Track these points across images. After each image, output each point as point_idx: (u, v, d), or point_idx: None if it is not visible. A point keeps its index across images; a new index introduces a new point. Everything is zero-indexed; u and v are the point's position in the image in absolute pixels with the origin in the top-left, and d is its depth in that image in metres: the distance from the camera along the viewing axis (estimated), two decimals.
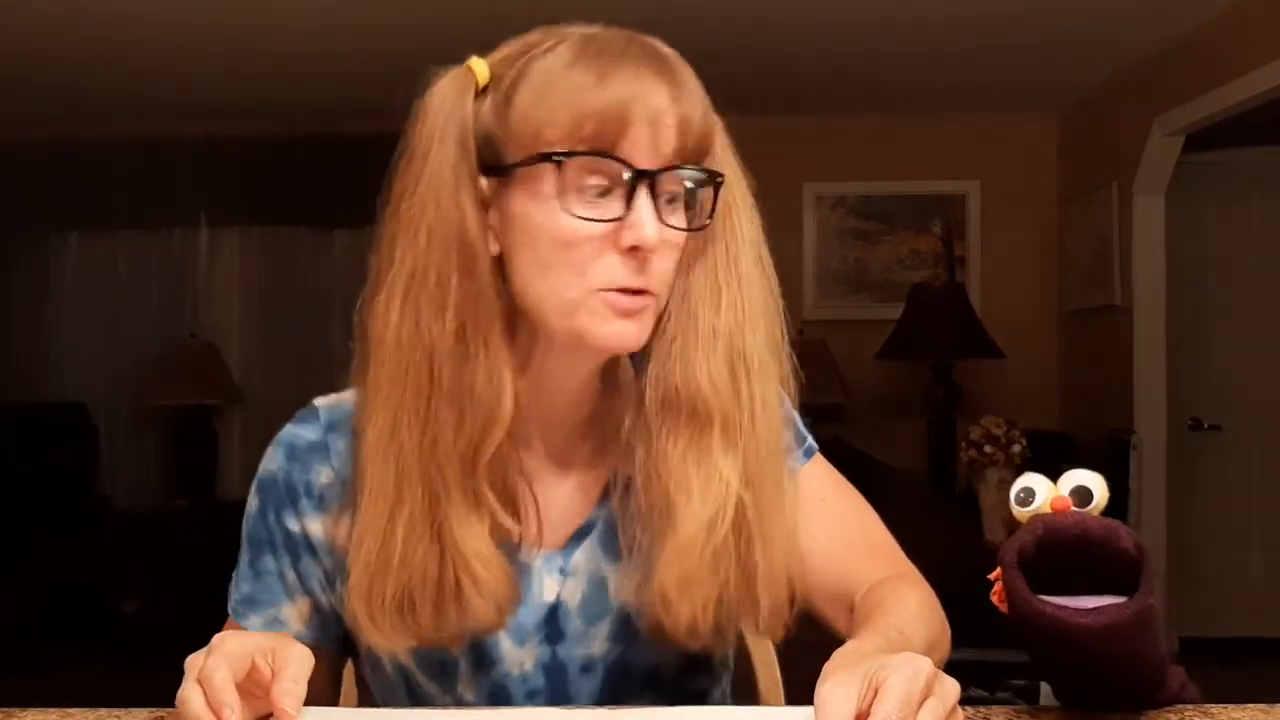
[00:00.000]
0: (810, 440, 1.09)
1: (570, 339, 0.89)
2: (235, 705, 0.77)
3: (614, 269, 0.86)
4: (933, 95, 5.04)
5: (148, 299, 5.51)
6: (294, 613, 0.98)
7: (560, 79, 0.85)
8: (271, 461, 0.98)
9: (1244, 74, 3.67)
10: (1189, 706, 0.88)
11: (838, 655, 0.78)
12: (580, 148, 0.84)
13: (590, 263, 0.86)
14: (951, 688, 0.73)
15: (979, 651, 2.48)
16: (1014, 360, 4.94)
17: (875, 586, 1.01)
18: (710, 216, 0.90)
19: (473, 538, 0.88)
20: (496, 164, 0.87)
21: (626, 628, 0.97)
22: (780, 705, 1.17)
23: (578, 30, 0.89)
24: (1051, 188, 5.37)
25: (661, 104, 0.86)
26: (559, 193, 0.85)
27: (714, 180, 0.90)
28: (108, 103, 5.02)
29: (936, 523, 3.53)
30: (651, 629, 0.93)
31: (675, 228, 0.88)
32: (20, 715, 0.89)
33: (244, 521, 1.00)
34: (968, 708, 0.90)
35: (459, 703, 0.95)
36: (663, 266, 0.88)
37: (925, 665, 0.72)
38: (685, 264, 0.91)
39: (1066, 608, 0.79)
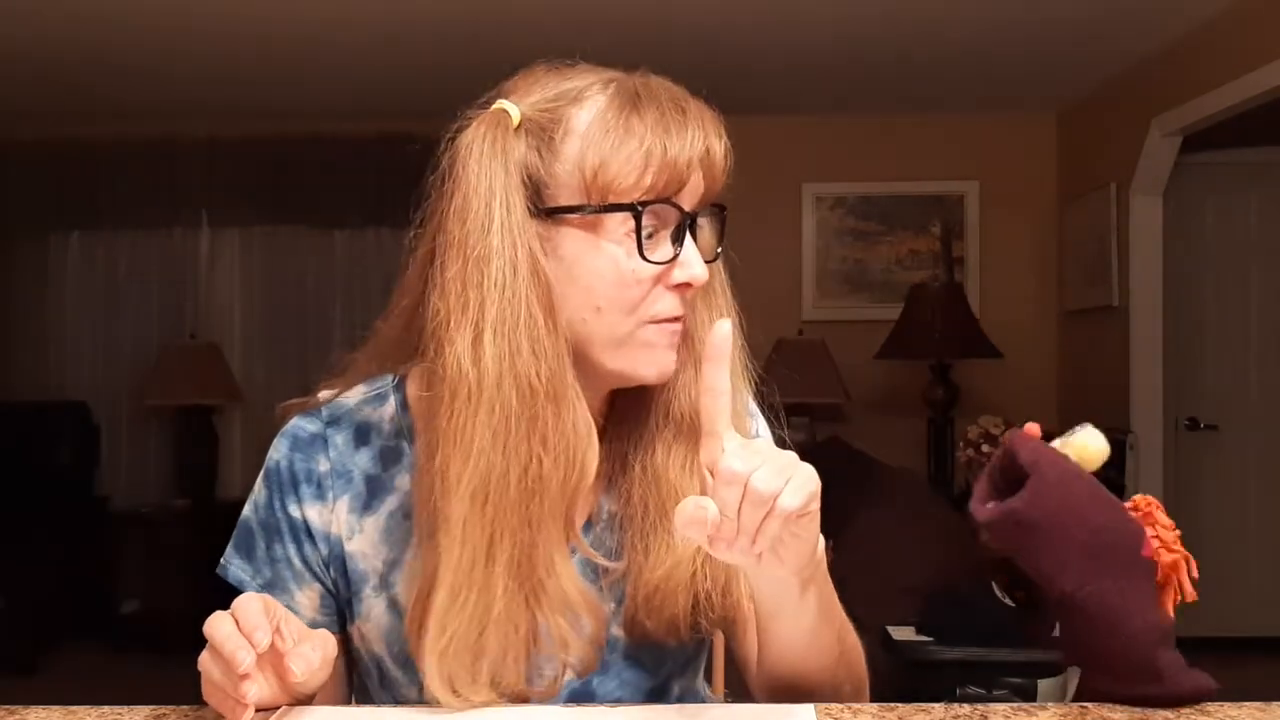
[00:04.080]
0: None
1: (614, 374, 0.94)
2: (266, 630, 0.81)
3: (663, 304, 0.93)
4: (932, 96, 5.05)
5: (148, 299, 5.51)
6: (305, 599, 1.01)
7: (622, 129, 0.89)
8: (276, 451, 1.01)
9: (1242, 75, 3.68)
10: (1187, 706, 0.88)
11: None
12: (648, 196, 0.89)
13: (643, 300, 0.92)
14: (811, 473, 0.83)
15: (976, 650, 2.49)
16: (1012, 360, 4.95)
17: None
18: (719, 246, 0.99)
19: (570, 583, 0.92)
20: (545, 207, 0.91)
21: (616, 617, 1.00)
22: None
23: (599, 74, 0.94)
24: (1050, 188, 5.38)
25: (714, 154, 0.93)
26: (628, 237, 0.90)
27: (722, 213, 0.99)
28: (108, 103, 5.02)
29: (935, 522, 3.54)
30: (630, 624, 0.97)
31: (707, 261, 0.96)
32: (23, 713, 0.90)
33: (251, 512, 1.02)
34: (965, 705, 0.90)
35: (422, 694, 0.97)
36: (692, 297, 0.96)
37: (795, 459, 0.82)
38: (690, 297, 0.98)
39: (978, 505, 0.90)
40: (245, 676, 0.80)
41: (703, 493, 0.84)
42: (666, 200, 0.90)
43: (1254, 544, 4.90)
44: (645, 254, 0.90)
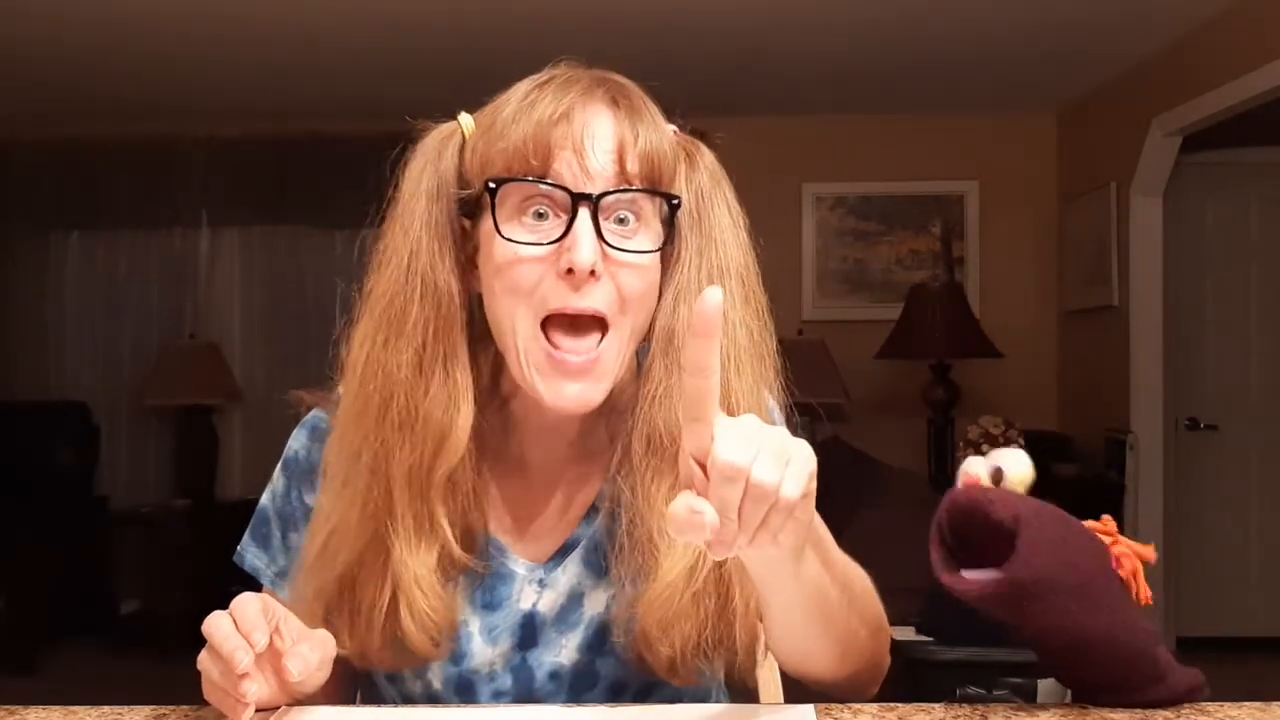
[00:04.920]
0: None
1: (541, 404, 0.91)
2: (265, 631, 0.81)
3: (552, 291, 0.87)
4: (932, 96, 5.05)
5: (148, 299, 5.52)
6: None
7: (504, 114, 0.90)
8: (295, 441, 1.03)
9: (1242, 75, 3.68)
10: (1186, 705, 0.88)
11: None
12: (508, 171, 0.88)
13: (535, 287, 0.88)
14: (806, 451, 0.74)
15: (976, 650, 2.48)
16: (1012, 360, 4.95)
17: None
18: (669, 241, 0.92)
19: (416, 564, 0.92)
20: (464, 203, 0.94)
21: (597, 639, 0.98)
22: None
23: (552, 72, 0.94)
24: (1050, 188, 5.38)
25: (597, 128, 0.88)
26: (501, 221, 0.88)
27: (668, 203, 0.91)
28: (108, 103, 5.02)
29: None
30: (635, 661, 0.96)
31: (621, 249, 0.89)
32: (23, 713, 0.90)
33: (269, 500, 1.04)
34: (965, 705, 0.90)
35: (427, 688, 0.98)
36: (628, 286, 0.89)
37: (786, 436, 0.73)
38: (670, 304, 0.93)
39: (960, 577, 0.84)
40: (244, 676, 0.80)
41: (685, 486, 0.74)
42: (537, 178, 0.87)
43: (1254, 544, 4.90)
44: (502, 232, 0.88)
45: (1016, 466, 0.87)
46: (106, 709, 0.90)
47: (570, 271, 0.86)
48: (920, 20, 3.99)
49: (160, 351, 5.26)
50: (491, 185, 0.88)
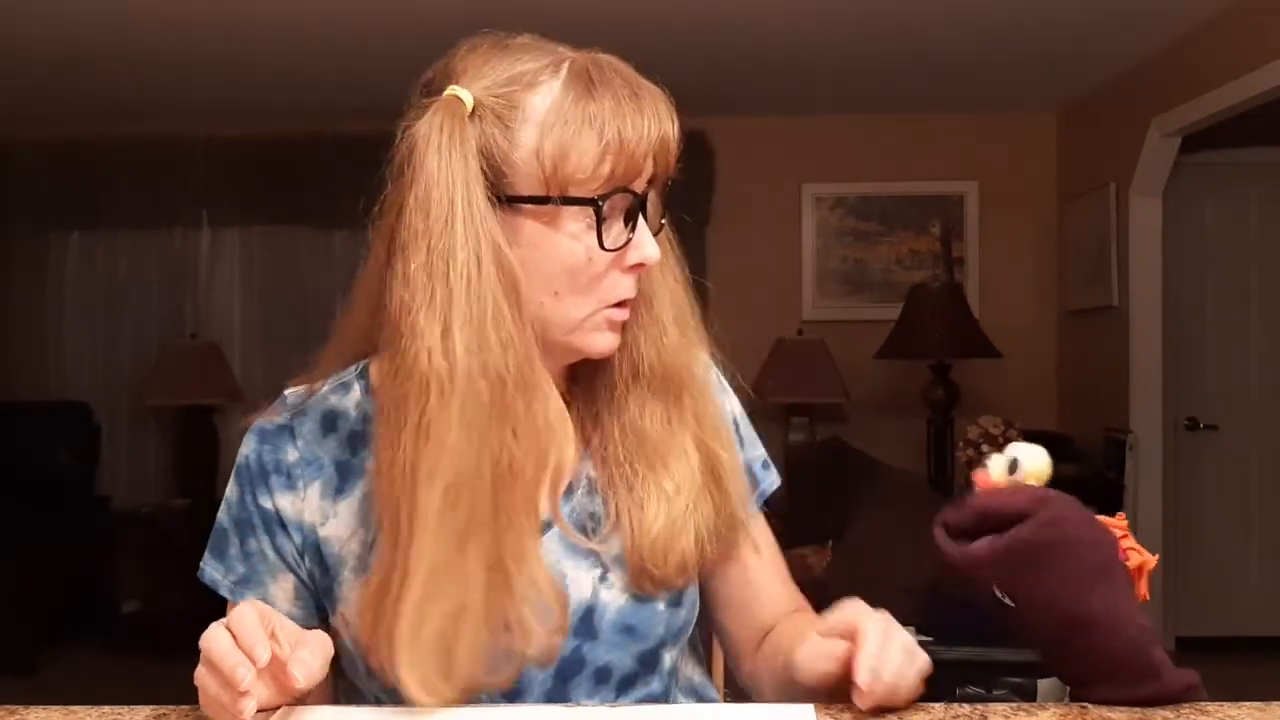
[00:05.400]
0: (765, 483, 1.14)
1: (566, 351, 0.98)
2: (266, 645, 0.80)
3: (619, 286, 0.96)
4: (932, 96, 5.05)
5: (148, 299, 5.52)
6: (280, 591, 1.01)
7: (579, 118, 0.90)
8: (245, 447, 1.02)
9: (1241, 75, 3.68)
10: (1186, 705, 0.88)
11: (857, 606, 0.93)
12: (606, 186, 0.91)
13: (599, 284, 0.94)
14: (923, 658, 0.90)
15: (976, 650, 2.49)
16: (1012, 360, 4.95)
17: (794, 614, 1.11)
18: (662, 219, 1.00)
19: (540, 572, 0.93)
20: (506, 195, 0.91)
21: (584, 623, 0.99)
22: None
23: (550, 54, 0.94)
24: (1050, 188, 5.38)
25: (667, 140, 0.94)
26: (586, 227, 0.92)
27: (665, 184, 0.99)
28: (108, 103, 5.02)
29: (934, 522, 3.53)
30: (637, 577, 0.99)
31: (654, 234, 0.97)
32: (23, 713, 0.90)
33: (224, 512, 1.03)
34: (965, 705, 0.90)
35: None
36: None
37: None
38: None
39: (965, 547, 0.89)
40: (245, 695, 0.79)
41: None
42: (624, 189, 0.92)
43: (1254, 544, 4.90)
44: (604, 244, 0.92)
45: (1033, 460, 0.89)
46: (106, 709, 0.90)
47: (638, 265, 0.95)
48: (920, 20, 3.99)
49: (160, 351, 5.26)
50: (600, 202, 0.91)
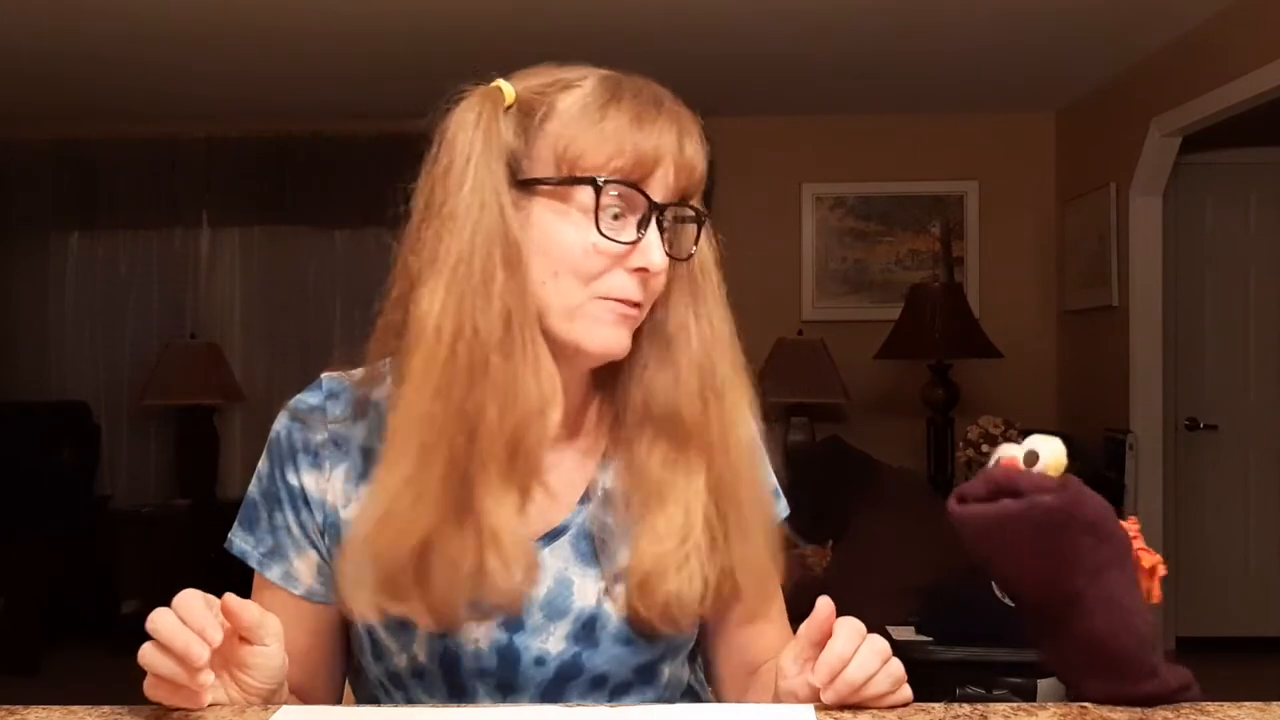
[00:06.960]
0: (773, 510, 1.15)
1: (567, 344, 0.98)
2: (217, 627, 0.84)
3: (618, 283, 0.97)
4: (932, 95, 5.05)
5: (148, 299, 5.52)
6: (304, 565, 1.04)
7: (598, 114, 0.95)
8: (278, 424, 1.06)
9: (1241, 75, 3.68)
10: (1185, 705, 0.88)
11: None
12: (616, 178, 0.95)
13: (599, 276, 0.96)
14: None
15: (976, 650, 2.49)
16: (1012, 360, 4.95)
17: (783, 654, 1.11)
18: (694, 249, 1.02)
19: (507, 517, 0.95)
20: (523, 178, 0.96)
21: (585, 630, 1.01)
22: None
23: (596, 71, 1.00)
24: (1050, 188, 5.38)
25: (685, 152, 0.98)
26: (589, 212, 0.95)
27: (701, 219, 1.02)
28: (108, 103, 5.02)
29: (935, 522, 3.53)
30: (628, 607, 1.00)
31: (671, 256, 1.00)
32: (23, 713, 0.90)
33: (255, 485, 1.06)
34: (965, 705, 0.90)
35: (413, 661, 1.01)
36: (654, 286, 0.99)
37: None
38: (662, 296, 1.02)
39: (975, 506, 0.88)
40: (202, 668, 0.82)
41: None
42: (631, 184, 0.95)
43: (1254, 544, 4.90)
44: (602, 229, 0.94)
45: (1051, 452, 0.89)
46: (107, 709, 0.90)
47: (642, 270, 0.96)
48: (920, 20, 3.99)
49: (160, 351, 5.26)
50: (602, 181, 0.94)
